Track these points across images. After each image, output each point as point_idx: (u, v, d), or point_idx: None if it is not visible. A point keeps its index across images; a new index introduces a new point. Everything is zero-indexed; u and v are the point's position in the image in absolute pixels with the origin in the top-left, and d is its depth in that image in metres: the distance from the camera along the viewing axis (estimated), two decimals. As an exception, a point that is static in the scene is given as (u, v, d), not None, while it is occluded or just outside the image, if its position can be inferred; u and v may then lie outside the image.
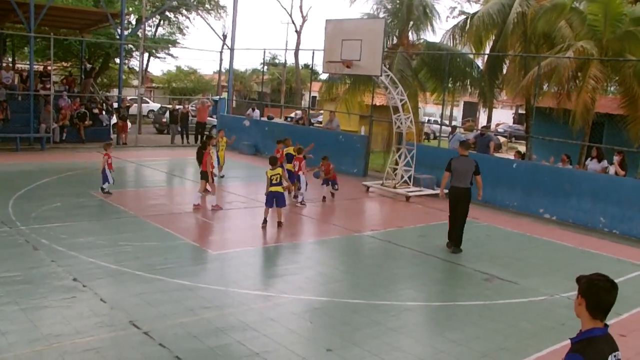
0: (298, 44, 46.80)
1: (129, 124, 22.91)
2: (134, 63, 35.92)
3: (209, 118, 24.30)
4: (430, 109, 41.40)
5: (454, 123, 34.37)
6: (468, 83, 19.62)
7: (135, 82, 32.91)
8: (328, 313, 6.70)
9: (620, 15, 15.16)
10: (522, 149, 20.37)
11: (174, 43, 37.02)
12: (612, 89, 20.46)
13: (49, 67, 21.97)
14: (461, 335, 6.27)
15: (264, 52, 28.90)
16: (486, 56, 19.87)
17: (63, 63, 32.79)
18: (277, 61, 49.79)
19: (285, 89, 48.01)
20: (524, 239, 11.16)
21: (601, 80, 14.97)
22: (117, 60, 28.74)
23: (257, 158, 19.81)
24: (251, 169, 17.69)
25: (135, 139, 22.02)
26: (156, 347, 5.48)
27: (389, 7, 20.20)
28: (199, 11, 33.02)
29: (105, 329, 5.77)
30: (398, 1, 19.93)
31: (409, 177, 15.04)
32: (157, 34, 36.69)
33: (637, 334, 6.70)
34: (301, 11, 53.97)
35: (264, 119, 23.56)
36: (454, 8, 32.17)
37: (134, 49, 31.69)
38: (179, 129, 23.16)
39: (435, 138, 32.19)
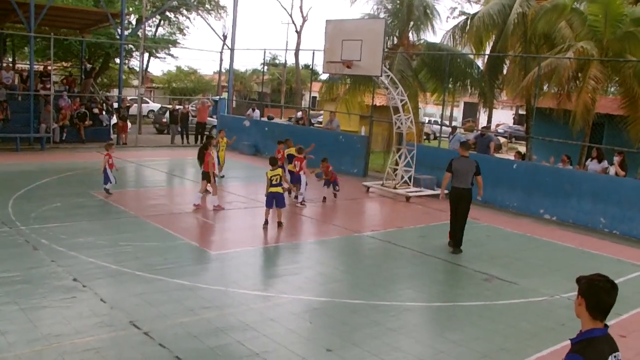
0: (298, 44, 46.86)
1: (129, 124, 22.90)
2: (134, 63, 36.01)
3: (209, 118, 24.30)
4: (430, 110, 41.44)
5: (454, 123, 34.24)
6: (468, 83, 19.64)
7: (136, 82, 32.93)
8: (328, 313, 6.70)
9: (621, 16, 15.17)
10: (523, 149, 20.34)
11: (174, 43, 37.01)
12: (612, 89, 20.47)
13: (49, 67, 21.95)
14: (461, 336, 6.27)
15: (264, 52, 29.01)
16: (486, 56, 19.87)
17: (63, 63, 32.80)
18: (277, 61, 49.78)
19: (285, 89, 48.03)
20: (524, 240, 11.15)
21: (601, 80, 14.99)
22: (117, 60, 28.76)
23: (257, 158, 19.80)
24: (251, 169, 17.68)
25: (135, 139, 22.02)
26: (156, 347, 5.48)
27: (389, 7, 20.23)
28: (199, 11, 33.00)
29: (105, 329, 5.77)
30: (398, 1, 19.95)
31: (409, 178, 15.03)
32: (157, 34, 36.67)
33: (637, 334, 6.70)
34: (301, 11, 54.21)
35: (264, 119, 23.56)
36: (454, 8, 32.17)
37: (134, 49, 31.68)
38: (179, 129, 23.15)
39: (435, 138, 32.20)
